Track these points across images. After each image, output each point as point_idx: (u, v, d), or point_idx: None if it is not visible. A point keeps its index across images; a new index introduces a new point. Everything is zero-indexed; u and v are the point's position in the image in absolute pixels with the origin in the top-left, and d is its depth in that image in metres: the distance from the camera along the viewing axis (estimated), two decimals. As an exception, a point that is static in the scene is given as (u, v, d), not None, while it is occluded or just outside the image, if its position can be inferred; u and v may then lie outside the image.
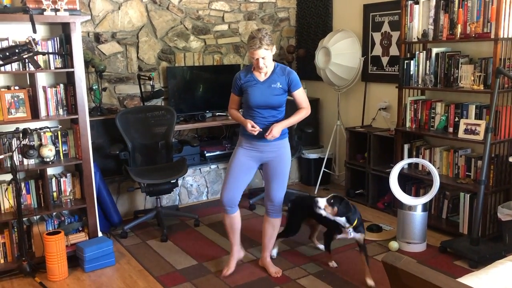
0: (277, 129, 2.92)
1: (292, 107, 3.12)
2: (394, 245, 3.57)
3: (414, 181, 4.12)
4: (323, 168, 5.03)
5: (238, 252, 3.28)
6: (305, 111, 3.06)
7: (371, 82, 4.76)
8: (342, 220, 3.03)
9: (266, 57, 2.89)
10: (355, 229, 3.08)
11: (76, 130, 3.47)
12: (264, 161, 3.09)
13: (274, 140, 3.00)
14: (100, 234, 3.63)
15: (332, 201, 3.01)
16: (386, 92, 4.56)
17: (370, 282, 3.02)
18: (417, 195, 4.03)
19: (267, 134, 2.91)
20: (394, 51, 4.45)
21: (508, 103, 3.57)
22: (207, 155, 4.72)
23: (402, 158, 4.06)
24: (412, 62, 3.96)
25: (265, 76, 2.99)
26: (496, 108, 3.37)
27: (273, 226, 3.22)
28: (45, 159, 3.38)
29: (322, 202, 3.02)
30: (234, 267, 3.25)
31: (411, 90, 4.10)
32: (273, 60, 3.01)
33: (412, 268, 1.73)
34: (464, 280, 1.96)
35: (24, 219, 3.32)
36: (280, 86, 2.97)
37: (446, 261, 3.36)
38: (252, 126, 2.93)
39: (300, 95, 3.04)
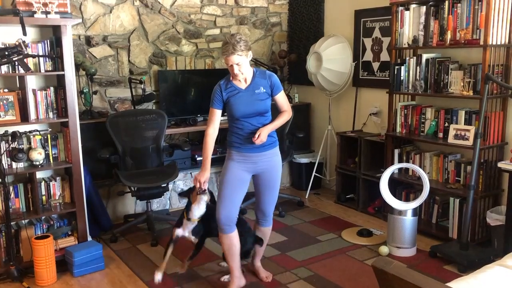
0: (264, 133, 2.83)
1: (275, 111, 3.03)
2: (384, 249, 3.58)
3: (405, 186, 4.14)
4: (314, 173, 5.04)
5: (239, 280, 3.02)
6: (287, 113, 2.98)
7: (362, 87, 4.79)
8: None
9: (241, 63, 2.75)
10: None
11: (66, 133, 3.44)
12: (258, 172, 2.98)
13: (266, 150, 2.93)
14: (89, 238, 3.60)
15: None
16: (377, 97, 4.58)
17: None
18: (407, 200, 4.05)
19: (255, 138, 2.82)
20: (385, 56, 4.48)
21: (497, 109, 3.61)
22: (198, 159, 4.70)
23: (392, 163, 4.08)
24: (402, 67, 3.99)
25: (246, 83, 2.87)
26: (485, 114, 3.40)
27: (264, 234, 3.20)
28: (34, 163, 3.35)
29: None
30: None
31: (402, 95, 4.13)
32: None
33: (402, 272, 1.74)
34: (453, 284, 1.97)
35: (12, 223, 3.29)
36: (264, 90, 2.88)
37: (436, 265, 3.37)
38: (199, 182, 2.85)
39: (282, 98, 2.97)
